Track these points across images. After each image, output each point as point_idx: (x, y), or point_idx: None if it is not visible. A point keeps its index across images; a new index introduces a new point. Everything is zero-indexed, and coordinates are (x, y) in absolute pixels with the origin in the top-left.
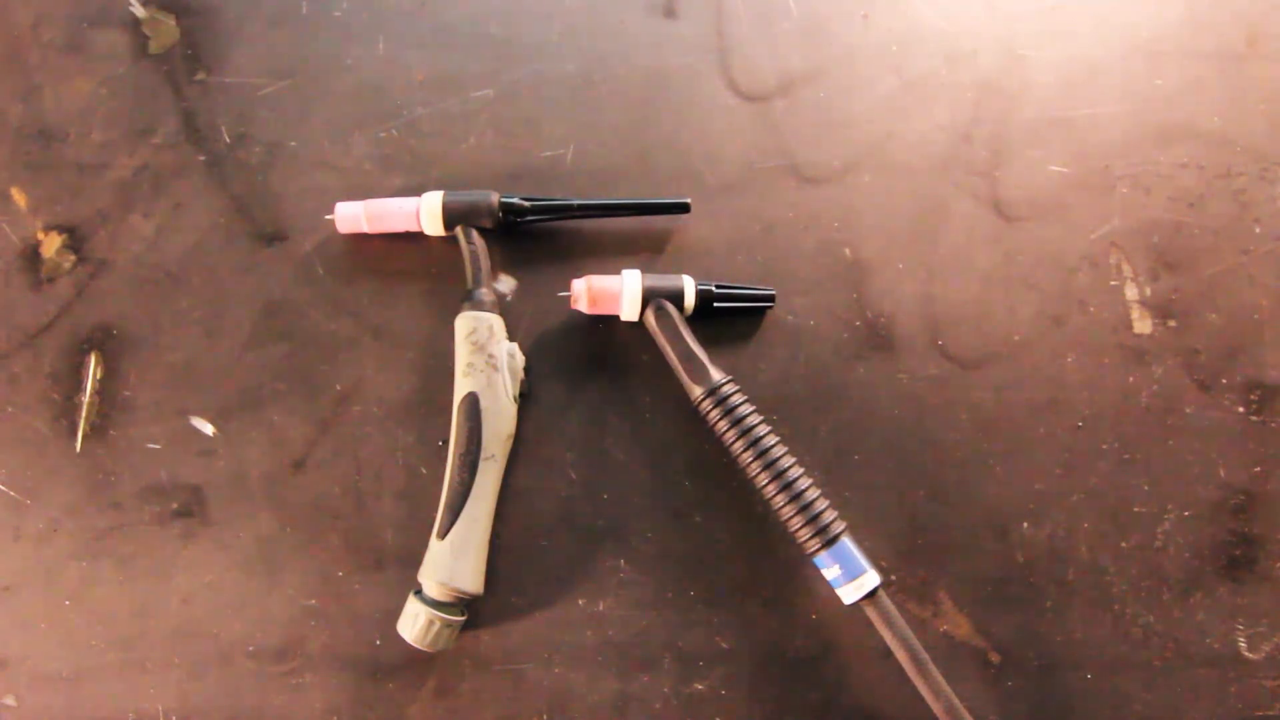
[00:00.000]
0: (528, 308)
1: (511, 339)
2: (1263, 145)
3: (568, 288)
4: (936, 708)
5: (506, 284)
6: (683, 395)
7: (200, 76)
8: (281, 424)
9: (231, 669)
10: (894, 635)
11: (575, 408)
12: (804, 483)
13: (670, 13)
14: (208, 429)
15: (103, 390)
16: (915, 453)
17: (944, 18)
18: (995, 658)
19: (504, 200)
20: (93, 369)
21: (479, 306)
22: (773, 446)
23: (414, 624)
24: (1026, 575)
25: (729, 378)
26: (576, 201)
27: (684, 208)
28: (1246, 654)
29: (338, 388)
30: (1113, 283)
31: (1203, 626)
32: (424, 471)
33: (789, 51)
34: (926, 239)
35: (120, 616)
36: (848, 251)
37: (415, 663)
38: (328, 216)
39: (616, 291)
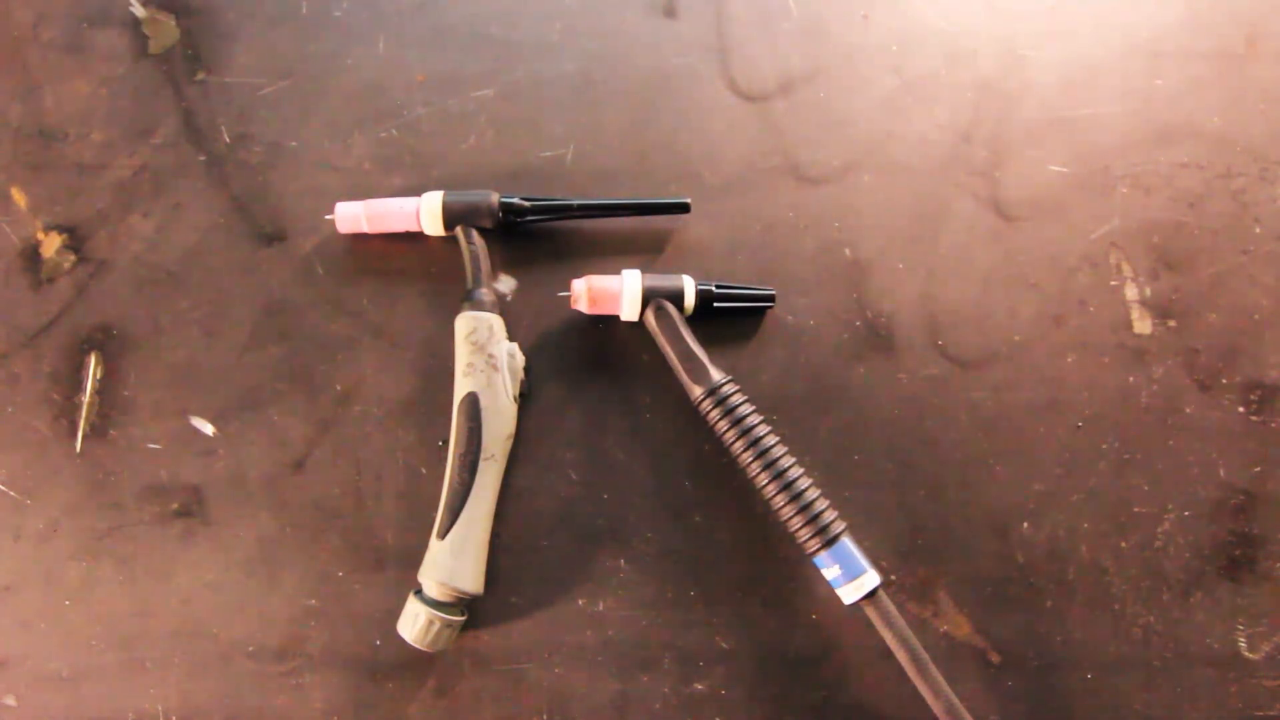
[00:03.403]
0: (528, 308)
1: (511, 339)
2: (1263, 145)
3: (568, 288)
4: (936, 708)
5: (506, 284)
6: (683, 395)
7: (200, 76)
8: (281, 424)
9: (231, 669)
10: (894, 635)
11: (575, 408)
12: (804, 483)
13: (670, 13)
14: (208, 429)
15: (103, 390)
16: (915, 453)
17: (944, 18)
18: (995, 658)
19: (504, 200)
20: (93, 369)
21: (479, 306)
22: (773, 446)
23: (414, 624)
24: (1026, 575)
25: (729, 378)
26: (576, 201)
27: (684, 208)
28: (1246, 654)
29: (338, 388)
30: (1113, 283)
31: (1203, 626)
32: (424, 471)
33: (789, 51)
34: (926, 239)
35: (120, 616)
36: (848, 251)
37: (415, 663)
38: (328, 216)
39: (616, 291)
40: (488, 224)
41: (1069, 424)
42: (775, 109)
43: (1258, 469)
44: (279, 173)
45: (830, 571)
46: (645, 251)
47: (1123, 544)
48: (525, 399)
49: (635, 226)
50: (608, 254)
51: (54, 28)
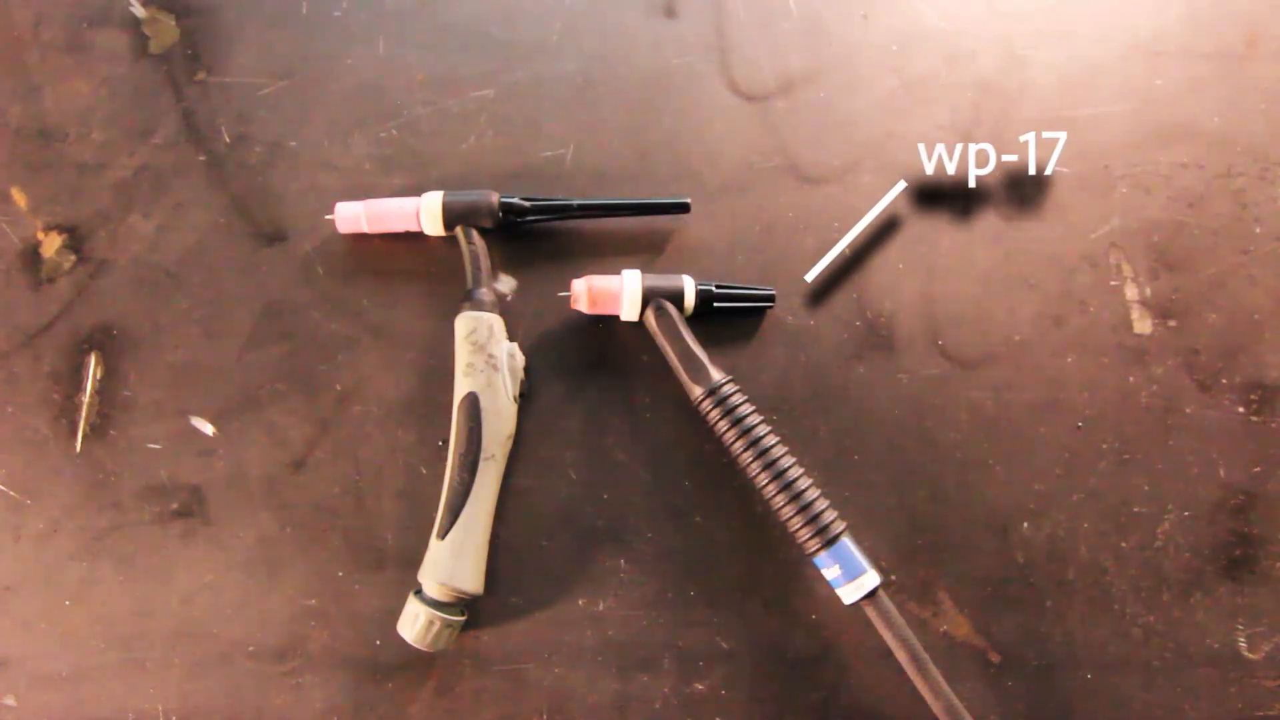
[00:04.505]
0: (528, 308)
1: (511, 339)
2: (1263, 145)
3: (568, 288)
4: (936, 708)
5: (506, 284)
6: (683, 395)
7: (200, 76)
8: (281, 424)
9: (231, 669)
10: (894, 635)
11: (575, 408)
12: (804, 483)
13: (670, 13)
14: (208, 429)
15: (103, 390)
16: (915, 453)
17: (944, 18)
18: (995, 658)
19: (504, 200)
20: (93, 369)
21: (479, 306)
22: (773, 446)
23: (414, 624)
24: (1026, 575)
25: (729, 378)
26: (576, 201)
27: (684, 208)
28: (1246, 654)
29: (338, 388)
30: (1113, 283)
31: (1203, 626)
32: (424, 471)
33: (789, 51)
34: (927, 239)
35: (120, 616)
36: (848, 251)
37: (415, 663)
38: (328, 216)
39: (616, 291)
40: (488, 224)
41: (1069, 424)
42: (775, 109)
43: (1258, 469)
44: (279, 173)
45: (830, 571)
46: (645, 251)
47: (1123, 544)
48: (525, 399)
49: (635, 226)
50: (608, 254)
51: (54, 28)
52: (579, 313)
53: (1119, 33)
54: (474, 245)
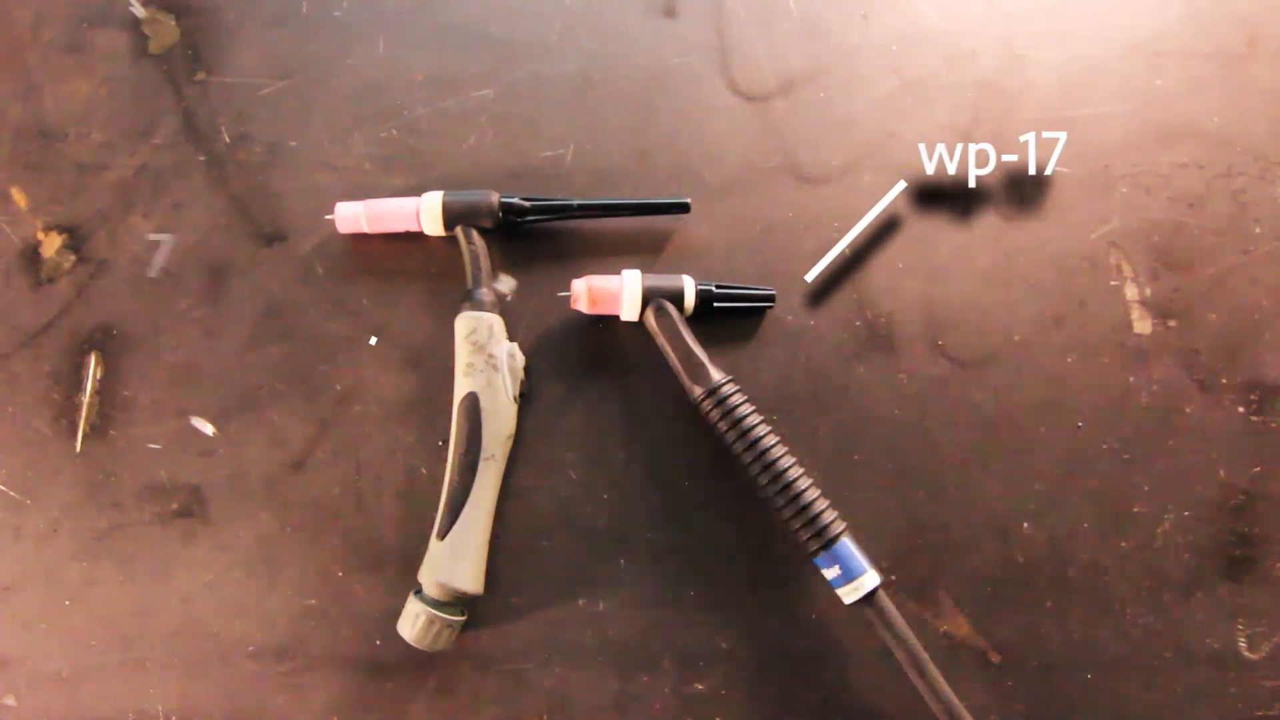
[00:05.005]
0: (528, 308)
1: (511, 339)
2: (1263, 145)
3: (568, 288)
4: (936, 708)
5: (506, 284)
6: (683, 395)
7: (200, 76)
8: (281, 424)
9: (231, 669)
10: (893, 636)
11: (575, 408)
12: (804, 483)
13: (670, 13)
14: (208, 429)
15: (103, 390)
16: (915, 453)
17: (944, 18)
18: (995, 658)
19: (504, 200)
20: (93, 369)
21: (479, 306)
22: (773, 446)
23: (414, 624)
24: (1026, 575)
25: (729, 378)
26: (576, 201)
27: (684, 208)
28: (1246, 654)
29: (338, 388)
30: (1113, 283)
31: (1203, 626)
32: (424, 471)
33: (789, 51)
34: (927, 239)
35: (120, 616)
36: (848, 251)
37: (415, 663)
38: (328, 216)
39: (616, 291)
40: (488, 224)
41: (1069, 424)
42: (775, 109)
43: (1258, 469)
44: (279, 173)
45: (830, 572)
46: (645, 251)
47: (1123, 544)
48: (525, 399)
49: (635, 226)
50: (608, 254)
51: (54, 28)
52: (579, 313)
53: (1119, 33)
54: (474, 245)
